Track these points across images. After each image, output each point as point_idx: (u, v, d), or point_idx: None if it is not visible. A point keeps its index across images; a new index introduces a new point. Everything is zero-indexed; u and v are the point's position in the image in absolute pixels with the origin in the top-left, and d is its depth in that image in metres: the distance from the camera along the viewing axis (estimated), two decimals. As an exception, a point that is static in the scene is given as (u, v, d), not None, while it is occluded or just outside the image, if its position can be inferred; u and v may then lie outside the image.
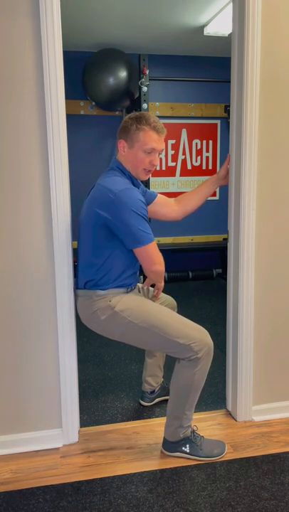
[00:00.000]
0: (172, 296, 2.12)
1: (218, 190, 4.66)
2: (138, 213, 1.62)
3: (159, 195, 2.03)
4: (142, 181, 1.97)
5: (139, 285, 1.95)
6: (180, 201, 2.06)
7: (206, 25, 3.62)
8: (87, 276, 1.75)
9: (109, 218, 1.63)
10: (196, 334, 1.70)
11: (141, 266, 1.79)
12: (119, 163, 1.78)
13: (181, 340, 1.67)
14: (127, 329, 1.71)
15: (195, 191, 2.06)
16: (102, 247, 1.71)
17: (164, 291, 2.16)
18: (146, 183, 3.98)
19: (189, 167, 4.75)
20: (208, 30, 3.66)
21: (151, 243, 1.67)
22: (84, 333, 3.17)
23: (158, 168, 4.66)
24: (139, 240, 1.65)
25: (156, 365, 2.18)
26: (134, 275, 1.83)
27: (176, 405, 1.77)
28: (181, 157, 4.71)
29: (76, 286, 1.82)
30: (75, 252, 1.86)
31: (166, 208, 2.05)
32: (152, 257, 1.70)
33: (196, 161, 4.76)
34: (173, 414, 1.78)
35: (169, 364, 1.82)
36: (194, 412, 1.82)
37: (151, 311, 1.73)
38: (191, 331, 1.70)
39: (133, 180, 1.78)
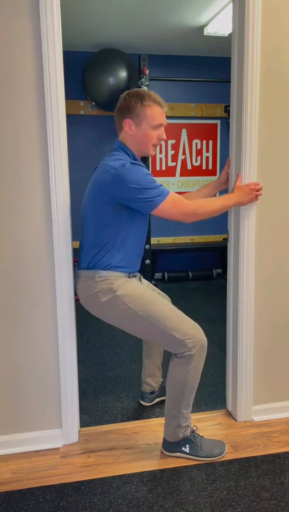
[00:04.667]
0: (172, 296, 2.12)
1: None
2: (142, 182, 1.61)
3: None
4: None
5: (142, 278, 1.95)
6: None
7: (206, 25, 3.62)
8: (90, 256, 1.74)
9: (115, 194, 1.62)
10: (190, 330, 1.70)
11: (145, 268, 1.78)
12: (121, 144, 1.76)
13: (177, 334, 1.67)
14: (125, 315, 1.71)
15: (196, 194, 2.05)
16: (107, 225, 1.69)
17: (164, 291, 2.16)
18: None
19: (189, 167, 4.76)
20: (208, 30, 3.67)
21: (164, 202, 1.63)
22: (84, 333, 3.18)
23: (158, 168, 4.66)
24: (150, 205, 1.64)
25: (154, 365, 2.18)
26: (137, 259, 1.81)
27: (172, 405, 1.77)
28: (181, 157, 4.71)
29: (78, 267, 1.81)
30: (76, 253, 1.86)
31: None
32: (173, 213, 1.66)
33: (196, 161, 4.76)
34: (170, 413, 1.79)
35: (168, 364, 1.82)
36: (194, 412, 1.82)
37: (152, 301, 1.73)
38: (186, 327, 1.70)
39: (136, 160, 1.77)
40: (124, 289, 1.71)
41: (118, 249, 1.73)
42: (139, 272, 1.87)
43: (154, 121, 1.72)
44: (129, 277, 1.77)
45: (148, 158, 3.98)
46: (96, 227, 1.72)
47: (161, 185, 1.66)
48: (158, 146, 1.79)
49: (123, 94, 1.78)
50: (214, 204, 1.74)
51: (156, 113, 1.72)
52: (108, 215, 1.68)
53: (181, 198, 1.70)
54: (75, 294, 1.84)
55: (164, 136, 1.78)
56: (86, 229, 1.77)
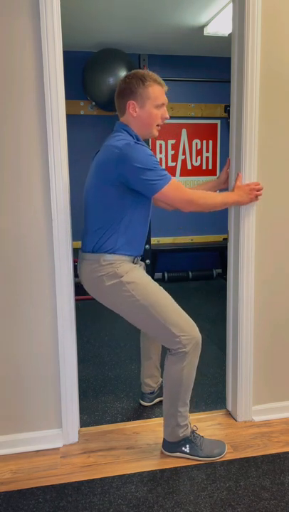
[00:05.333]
0: (172, 296, 2.11)
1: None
2: (147, 162, 1.60)
3: None
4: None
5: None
6: None
7: (206, 25, 3.62)
8: (95, 239, 1.73)
9: (119, 172, 1.61)
10: (187, 327, 1.70)
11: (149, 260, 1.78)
12: (124, 125, 1.75)
13: (174, 329, 1.68)
14: (127, 302, 1.71)
15: (197, 188, 2.05)
16: (111, 208, 1.68)
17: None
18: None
19: (189, 167, 4.75)
20: (208, 30, 3.67)
21: (166, 186, 1.63)
22: (84, 333, 3.18)
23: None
24: (152, 188, 1.63)
25: (152, 366, 2.18)
26: (141, 243, 1.81)
27: (169, 403, 1.78)
28: (181, 157, 4.71)
29: (82, 250, 1.80)
30: (76, 253, 1.86)
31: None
32: (174, 198, 1.66)
33: (196, 161, 4.76)
34: (168, 413, 1.79)
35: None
36: (194, 412, 1.82)
37: (155, 293, 1.73)
38: (184, 323, 1.71)
39: (139, 140, 1.75)
40: (129, 276, 1.71)
41: (123, 232, 1.72)
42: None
43: (157, 101, 1.72)
44: (134, 262, 1.77)
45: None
46: (100, 210, 1.71)
47: (164, 169, 1.66)
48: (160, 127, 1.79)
49: (122, 77, 1.77)
50: (215, 198, 1.74)
51: (158, 92, 1.72)
52: (112, 197, 1.67)
53: (182, 185, 1.70)
54: (76, 277, 1.83)
55: (167, 115, 1.78)
56: (90, 212, 1.75)
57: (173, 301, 1.77)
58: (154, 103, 1.72)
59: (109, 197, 1.67)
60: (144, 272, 1.85)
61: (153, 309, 1.69)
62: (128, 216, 1.71)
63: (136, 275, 1.73)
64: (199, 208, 1.71)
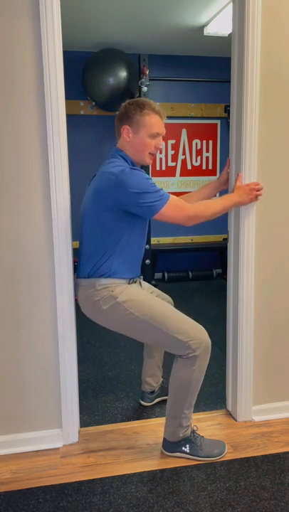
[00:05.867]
0: (172, 296, 2.12)
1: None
2: (143, 186, 1.61)
3: None
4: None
5: (142, 281, 1.95)
6: None
7: (206, 25, 3.62)
8: (91, 263, 1.74)
9: (116, 199, 1.62)
10: (194, 332, 1.70)
11: (145, 268, 1.78)
12: (120, 151, 1.77)
13: (180, 336, 1.67)
14: (127, 321, 1.71)
15: (195, 194, 2.05)
16: (108, 233, 1.69)
17: (164, 291, 2.16)
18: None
19: (189, 167, 4.75)
20: (208, 30, 3.67)
21: (165, 206, 1.63)
22: (84, 333, 3.18)
23: (158, 169, 4.66)
24: (151, 210, 1.64)
25: (155, 365, 2.18)
26: (137, 264, 1.82)
27: (174, 404, 1.77)
28: (181, 157, 4.71)
29: (78, 276, 1.81)
30: (76, 252, 1.86)
31: None
32: (174, 217, 1.67)
33: (196, 161, 4.76)
34: (172, 413, 1.78)
35: (169, 364, 1.82)
36: (194, 412, 1.82)
37: (153, 305, 1.73)
38: (190, 328, 1.70)
39: (134, 166, 1.76)
40: (124, 295, 1.71)
41: (118, 255, 1.73)
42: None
43: (151, 130, 1.72)
44: (129, 283, 1.77)
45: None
46: (97, 235, 1.72)
47: (162, 189, 1.66)
48: (154, 156, 1.79)
49: (124, 102, 1.78)
50: (215, 206, 1.75)
51: (154, 122, 1.72)
52: (110, 222, 1.68)
53: (182, 201, 1.70)
54: (75, 295, 1.84)
55: (161, 146, 1.79)
56: (86, 237, 1.76)
57: (174, 310, 1.77)
58: (148, 131, 1.72)
59: (107, 222, 1.68)
60: (140, 287, 1.86)
61: (155, 322, 1.69)
62: (125, 238, 1.71)
63: (131, 292, 1.73)
64: (201, 219, 1.72)
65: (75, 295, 1.84)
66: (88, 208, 1.73)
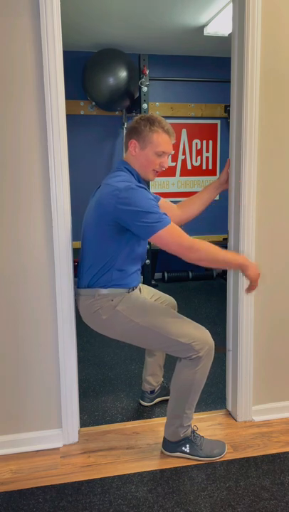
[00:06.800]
0: (172, 296, 2.12)
1: (217, 196, 4.68)
2: (145, 206, 1.58)
3: (162, 198, 2.01)
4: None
5: (141, 285, 1.95)
6: (182, 206, 2.05)
7: (206, 25, 3.62)
8: (90, 275, 1.74)
9: (117, 215, 1.61)
10: (196, 333, 1.70)
11: (143, 269, 1.78)
12: (126, 164, 1.77)
13: (182, 339, 1.67)
14: (128, 328, 1.72)
15: (197, 197, 2.05)
16: (110, 244, 1.69)
17: (164, 291, 2.16)
18: (147, 182, 3.98)
19: (189, 167, 4.75)
20: (208, 30, 3.66)
21: (163, 229, 1.58)
22: (84, 333, 3.18)
23: (158, 168, 4.66)
24: (149, 230, 1.59)
25: (156, 364, 2.18)
26: (137, 274, 1.82)
27: (176, 404, 1.77)
28: (181, 157, 4.71)
29: (78, 286, 1.82)
30: (76, 252, 1.86)
31: (168, 213, 2.03)
32: (170, 243, 1.61)
33: (196, 161, 4.76)
34: (173, 413, 1.78)
35: (170, 364, 1.82)
36: (194, 412, 1.82)
37: (152, 311, 1.73)
38: (192, 330, 1.70)
39: (140, 181, 1.77)
40: (123, 303, 1.72)
41: (119, 266, 1.73)
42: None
43: (158, 148, 1.72)
44: (129, 292, 1.77)
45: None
46: (98, 246, 1.72)
47: (164, 213, 1.62)
48: (158, 173, 1.80)
49: (137, 116, 1.79)
50: (219, 251, 1.65)
51: (162, 140, 1.72)
52: (111, 234, 1.67)
53: (182, 231, 1.64)
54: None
55: (166, 165, 1.78)
56: (87, 247, 1.76)
57: (175, 313, 1.77)
58: (155, 149, 1.72)
59: (108, 234, 1.68)
60: (139, 293, 1.86)
61: (155, 327, 1.69)
62: (126, 249, 1.71)
63: (129, 300, 1.74)
64: (201, 256, 1.62)
65: (75, 305, 1.84)
66: (90, 219, 1.73)
